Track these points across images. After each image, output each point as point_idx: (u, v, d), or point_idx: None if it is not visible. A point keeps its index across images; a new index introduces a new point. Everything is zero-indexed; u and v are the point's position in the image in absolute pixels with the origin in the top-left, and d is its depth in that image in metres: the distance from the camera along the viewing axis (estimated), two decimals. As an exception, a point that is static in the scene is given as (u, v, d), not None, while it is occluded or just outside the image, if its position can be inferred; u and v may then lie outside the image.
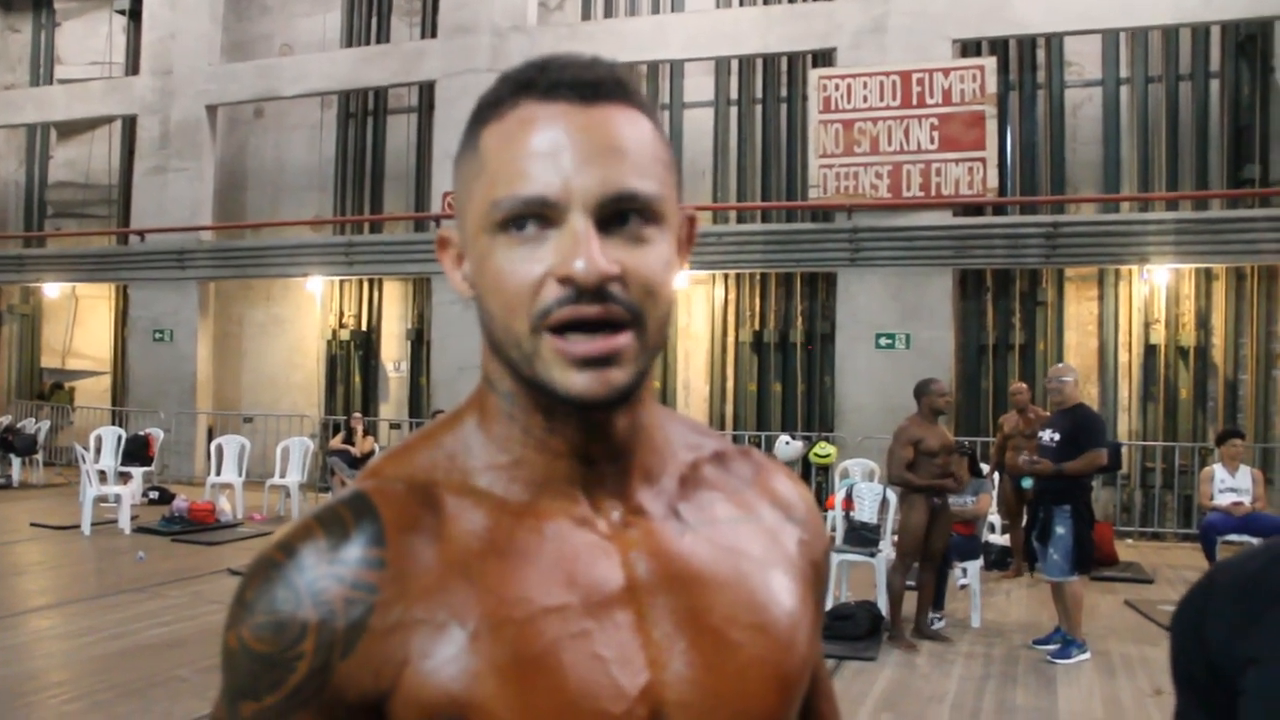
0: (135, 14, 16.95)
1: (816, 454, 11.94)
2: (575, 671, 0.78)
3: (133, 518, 10.91)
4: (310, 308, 15.70)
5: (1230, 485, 8.65)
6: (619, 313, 0.78)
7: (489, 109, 0.84)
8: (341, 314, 15.76)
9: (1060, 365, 7.47)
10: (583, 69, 0.82)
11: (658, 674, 0.81)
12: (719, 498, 0.93)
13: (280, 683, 0.77)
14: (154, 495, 12.70)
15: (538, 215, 0.78)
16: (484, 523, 0.83)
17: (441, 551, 0.80)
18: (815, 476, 12.16)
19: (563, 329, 0.78)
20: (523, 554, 0.82)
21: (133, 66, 16.98)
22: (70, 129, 17.79)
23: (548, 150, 0.79)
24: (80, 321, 17.91)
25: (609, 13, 14.48)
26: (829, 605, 6.86)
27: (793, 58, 13.32)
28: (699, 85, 13.96)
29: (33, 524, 11.03)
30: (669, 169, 0.85)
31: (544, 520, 0.84)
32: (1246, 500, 8.52)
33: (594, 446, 0.85)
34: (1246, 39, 12.02)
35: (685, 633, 0.83)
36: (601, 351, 0.78)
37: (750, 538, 0.91)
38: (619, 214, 0.79)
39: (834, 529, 8.83)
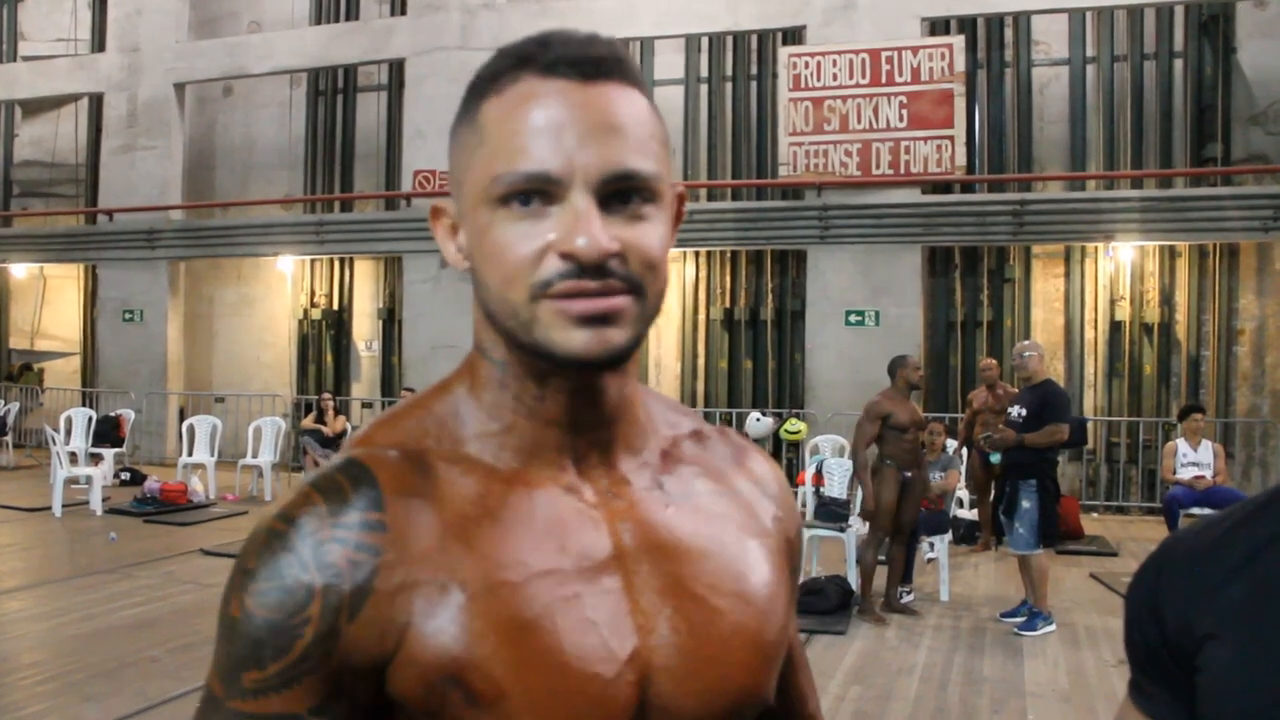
0: (100, -10, 16.78)
1: (787, 430, 12.01)
2: (568, 634, 0.80)
3: (104, 499, 10.87)
4: (281, 287, 15.63)
5: (1192, 459, 8.80)
6: (618, 286, 0.80)
7: (487, 82, 0.84)
8: (313, 293, 15.70)
9: (1025, 341, 7.56)
10: (584, 45, 0.83)
11: (645, 639, 0.83)
12: (699, 473, 0.94)
13: (286, 650, 0.77)
14: (125, 476, 12.64)
15: (539, 191, 0.79)
16: (476, 489, 0.84)
17: (437, 516, 0.81)
18: (786, 453, 12.26)
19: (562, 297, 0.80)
20: (515, 519, 0.83)
21: (99, 43, 16.77)
22: (35, 107, 17.55)
23: (550, 127, 0.80)
24: (49, 302, 17.75)
25: (579, -10, 14.45)
26: (799, 580, 6.93)
27: (763, 35, 13.34)
28: (669, 63, 13.94)
29: (3, 506, 10.96)
30: (664, 146, 0.86)
31: (533, 487, 0.85)
32: (1208, 474, 8.68)
33: (583, 414, 0.87)
34: (1209, 19, 12.13)
35: (670, 600, 0.85)
36: (601, 310, 0.79)
37: (729, 511, 0.94)
38: (618, 192, 0.80)
39: (804, 505, 8.93)
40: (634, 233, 0.81)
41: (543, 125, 0.80)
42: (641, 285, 0.81)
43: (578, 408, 0.87)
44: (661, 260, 0.83)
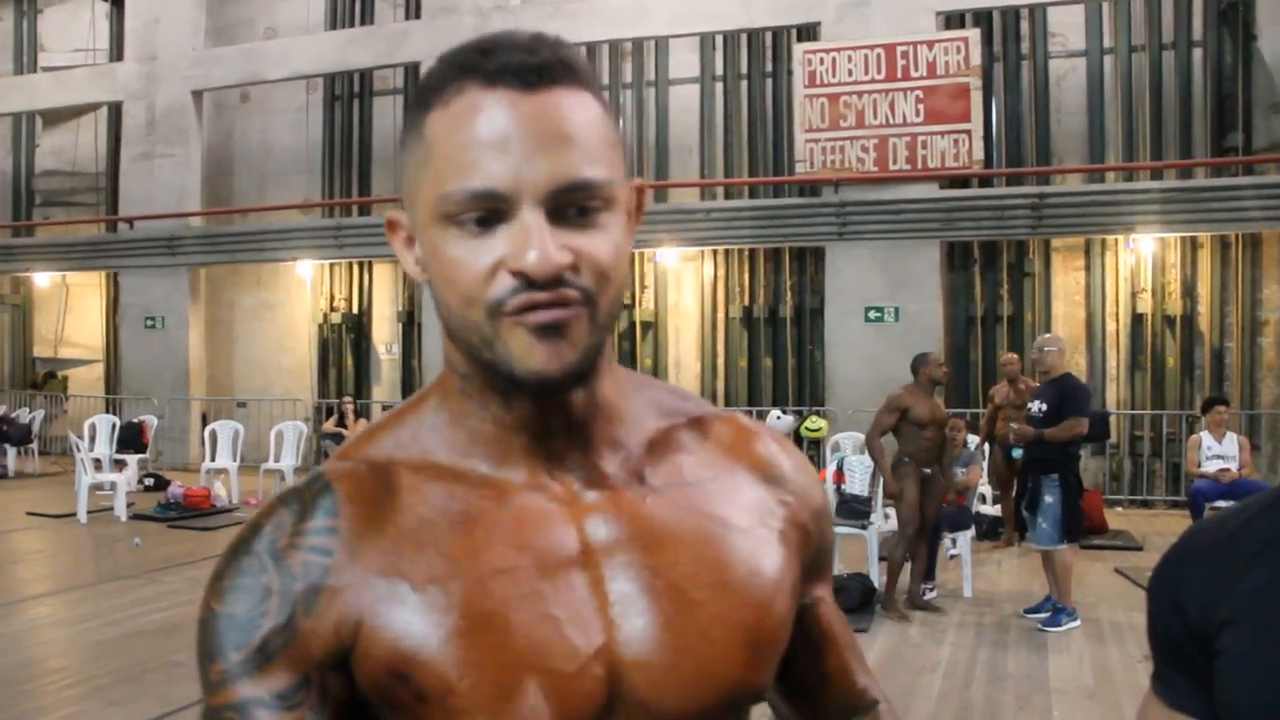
0: (118, 0, 16.88)
1: (807, 428, 11.99)
2: (525, 630, 0.80)
3: (128, 505, 10.93)
4: (300, 291, 15.70)
5: (1217, 452, 8.72)
6: (572, 296, 0.79)
7: (432, 92, 0.82)
8: (332, 297, 15.76)
9: (1045, 335, 7.52)
10: (527, 52, 0.80)
11: (614, 634, 0.83)
12: (690, 461, 0.93)
13: (244, 642, 0.80)
14: (149, 482, 12.71)
15: (489, 208, 0.79)
16: (439, 494, 0.85)
17: (395, 521, 0.83)
18: (806, 450, 12.22)
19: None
20: (475, 520, 0.84)
21: (117, 53, 16.90)
22: (56, 117, 17.70)
23: (495, 141, 0.78)
24: (71, 310, 17.88)
25: (593, -10, 14.45)
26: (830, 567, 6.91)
27: (777, 32, 13.31)
28: (684, 62, 13.94)
29: (29, 513, 11.05)
30: (617, 149, 0.84)
31: (500, 489, 0.86)
32: (1233, 466, 8.61)
33: (551, 421, 0.87)
34: (1228, 7, 12.03)
35: (645, 593, 0.85)
36: (554, 319, 0.79)
37: (719, 499, 0.92)
38: (570, 202, 0.79)
39: (826, 502, 8.89)
40: (587, 242, 0.80)
41: (487, 140, 0.78)
42: (594, 295, 0.80)
43: (544, 416, 0.87)
44: (615, 268, 0.82)
